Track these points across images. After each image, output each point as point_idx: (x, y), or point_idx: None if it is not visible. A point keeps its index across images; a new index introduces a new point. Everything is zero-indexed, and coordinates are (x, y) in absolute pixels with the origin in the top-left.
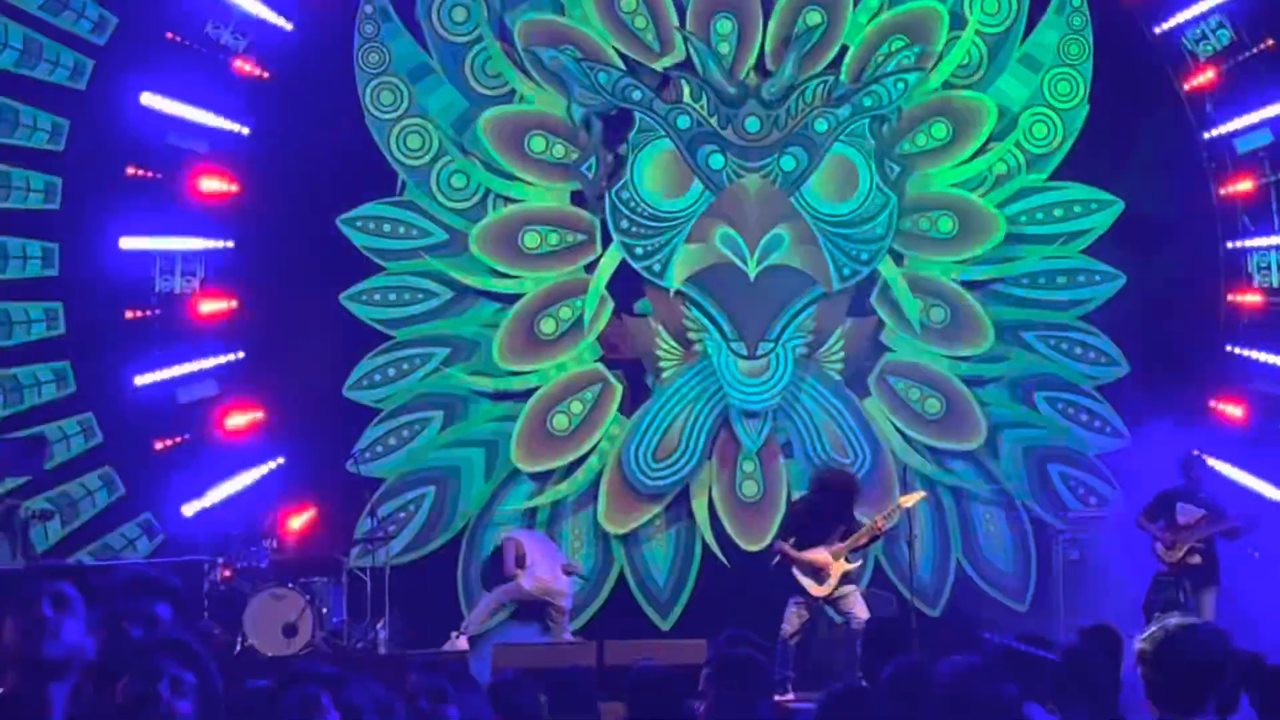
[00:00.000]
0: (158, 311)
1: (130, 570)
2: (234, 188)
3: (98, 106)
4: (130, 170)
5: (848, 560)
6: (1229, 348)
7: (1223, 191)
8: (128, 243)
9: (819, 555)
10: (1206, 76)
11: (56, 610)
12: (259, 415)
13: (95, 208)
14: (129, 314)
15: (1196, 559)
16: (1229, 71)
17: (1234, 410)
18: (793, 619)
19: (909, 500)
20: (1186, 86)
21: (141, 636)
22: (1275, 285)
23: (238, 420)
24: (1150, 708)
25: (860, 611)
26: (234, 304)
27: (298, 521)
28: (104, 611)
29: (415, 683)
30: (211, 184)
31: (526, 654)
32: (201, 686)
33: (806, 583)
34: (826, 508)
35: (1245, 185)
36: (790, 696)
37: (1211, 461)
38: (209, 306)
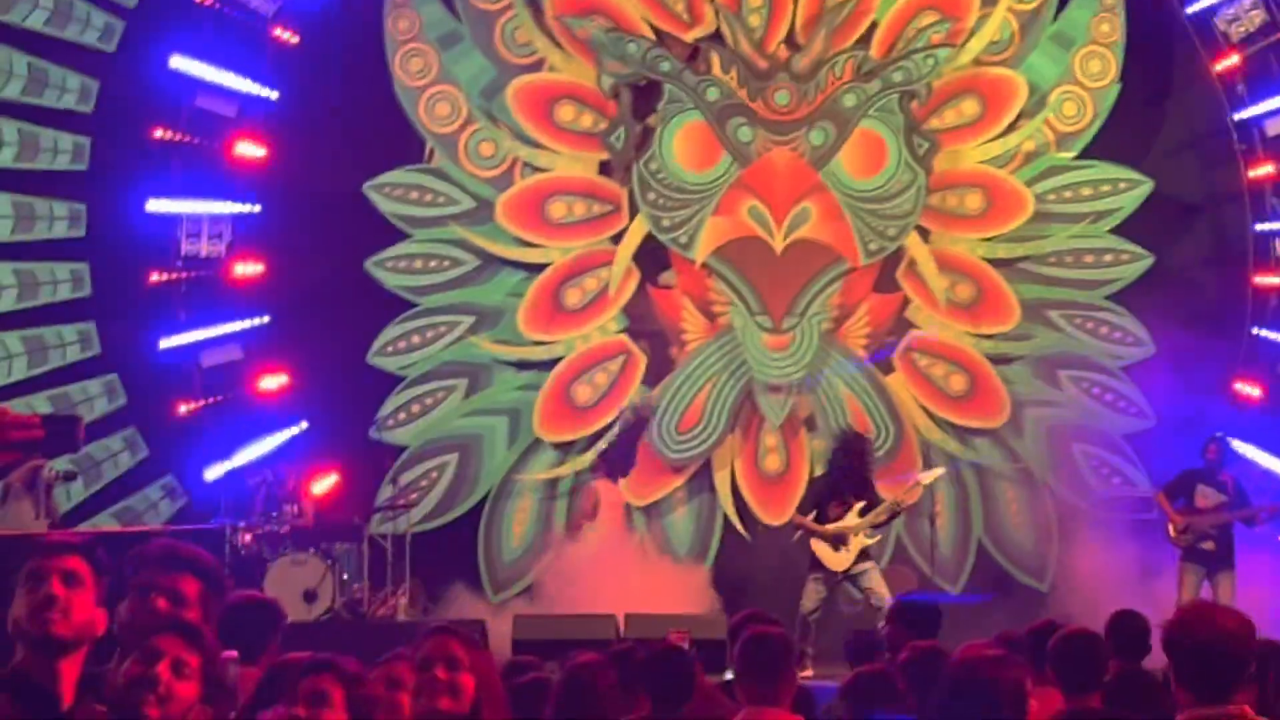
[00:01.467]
0: (184, 274)
1: (164, 543)
2: (264, 152)
3: (127, 68)
4: (159, 132)
5: (866, 536)
6: (1255, 330)
7: (1252, 174)
8: (155, 205)
9: (838, 530)
10: (1238, 58)
11: (67, 588)
12: (284, 379)
13: (123, 169)
14: (155, 276)
15: (1209, 544)
16: (1261, 53)
17: (1251, 390)
18: (811, 594)
19: (929, 477)
20: (1218, 67)
21: (167, 610)
22: None
23: (266, 384)
24: (1180, 695)
25: (880, 589)
26: (261, 268)
27: (320, 487)
28: (135, 582)
29: (430, 650)
30: (246, 148)
31: (547, 626)
32: (205, 669)
33: (825, 557)
34: (845, 474)
35: (1274, 168)
36: (809, 673)
37: (1237, 444)
38: (240, 270)
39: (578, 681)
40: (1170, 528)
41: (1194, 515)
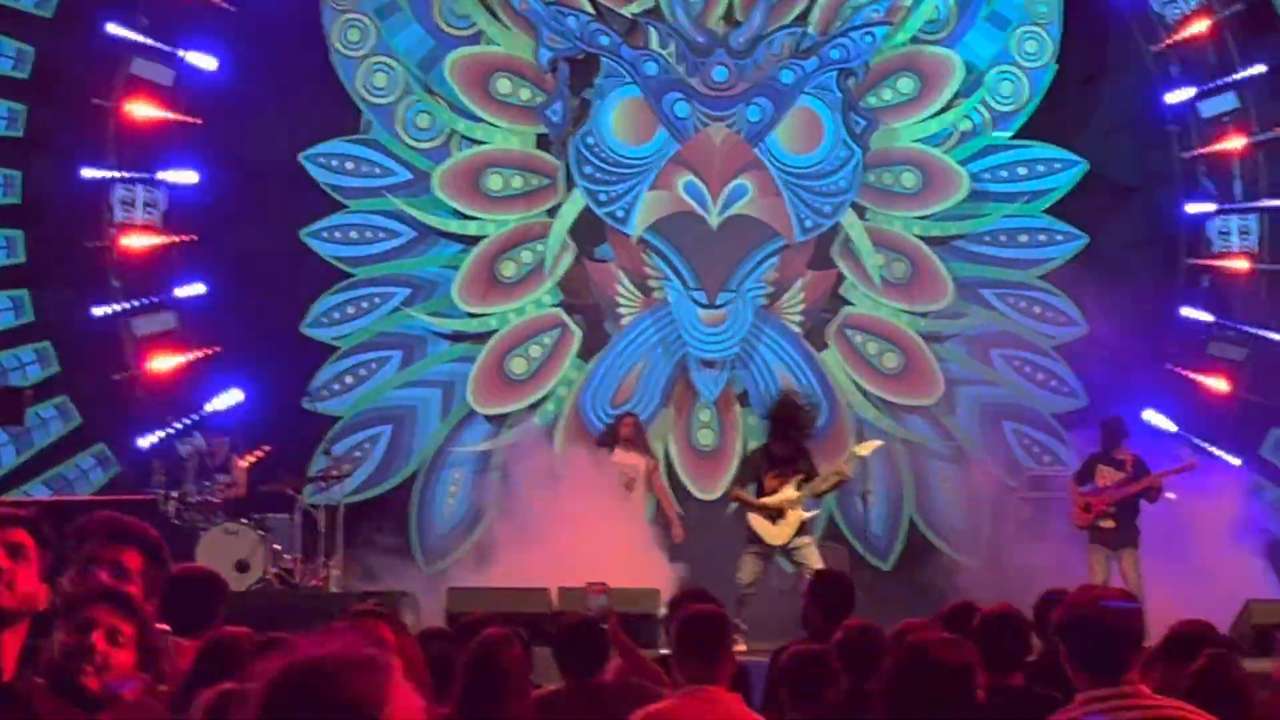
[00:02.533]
0: (118, 242)
1: (107, 516)
2: (200, 120)
3: (64, 35)
4: (95, 100)
5: (804, 509)
6: (1186, 311)
7: (1185, 155)
8: (90, 172)
9: (777, 504)
10: (1173, 40)
11: (12, 560)
12: (218, 348)
13: (59, 136)
14: (89, 244)
15: (1109, 523)
16: (1196, 36)
17: (1182, 371)
18: (748, 568)
19: (865, 449)
20: (1153, 49)
21: (110, 583)
22: (1234, 250)
23: (200, 353)
24: (1077, 678)
25: (814, 564)
26: (196, 237)
27: (253, 456)
28: (77, 555)
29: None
30: (182, 116)
31: (480, 598)
32: (140, 638)
33: (763, 531)
34: (782, 442)
35: (1208, 149)
36: (742, 648)
37: (1160, 421)
38: (174, 239)
39: (485, 656)
40: (1072, 511)
41: (1095, 496)
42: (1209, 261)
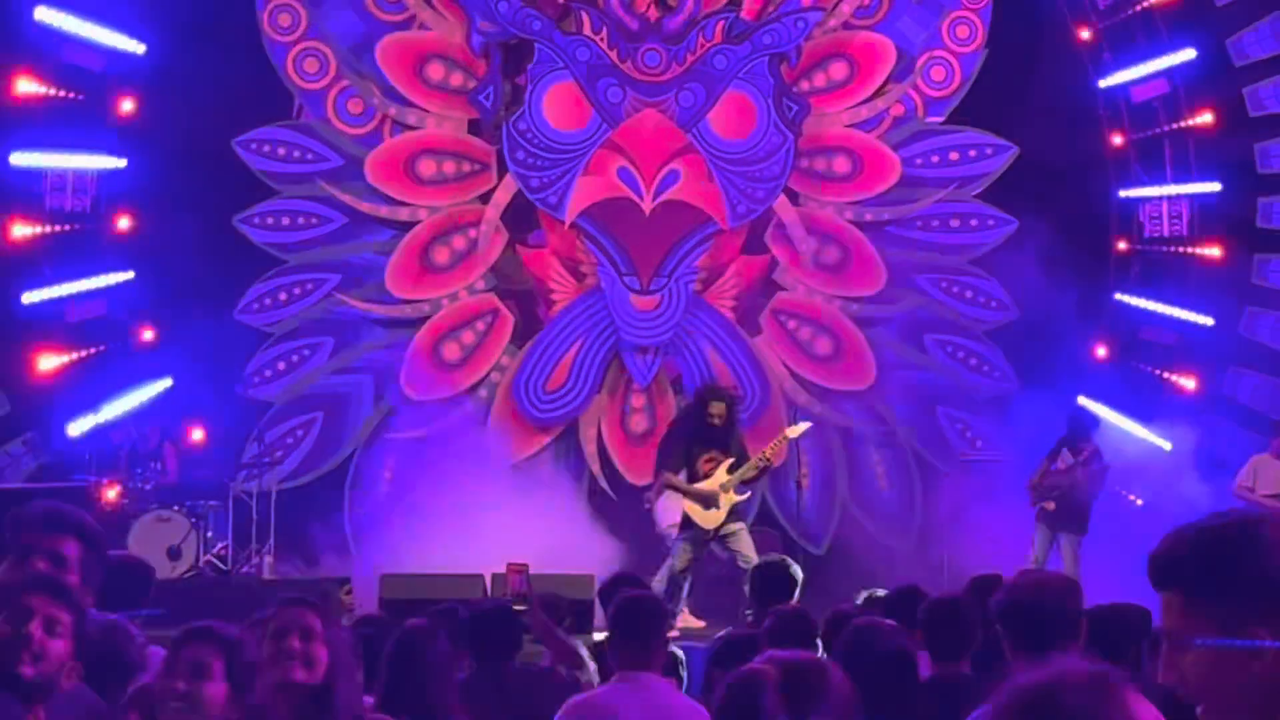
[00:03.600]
0: (49, 228)
1: (46, 505)
2: (131, 106)
3: None
4: (24, 86)
5: (736, 493)
6: (1118, 295)
7: (1115, 140)
8: (19, 159)
9: (708, 488)
10: (1104, 25)
11: None
12: (150, 335)
13: None
14: (19, 230)
15: (1050, 505)
16: (1127, 21)
17: (1112, 354)
18: (682, 554)
19: (795, 431)
20: (1084, 34)
21: (47, 572)
22: (1165, 235)
23: (131, 339)
24: (1012, 662)
25: (748, 550)
26: (127, 223)
27: (185, 443)
28: (15, 544)
29: (285, 619)
30: (113, 102)
31: (414, 585)
32: (76, 626)
33: (697, 516)
34: (704, 425)
35: (1139, 134)
36: (675, 634)
37: (1095, 407)
38: (106, 225)
39: (407, 645)
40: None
41: (1046, 477)
42: (1140, 246)
